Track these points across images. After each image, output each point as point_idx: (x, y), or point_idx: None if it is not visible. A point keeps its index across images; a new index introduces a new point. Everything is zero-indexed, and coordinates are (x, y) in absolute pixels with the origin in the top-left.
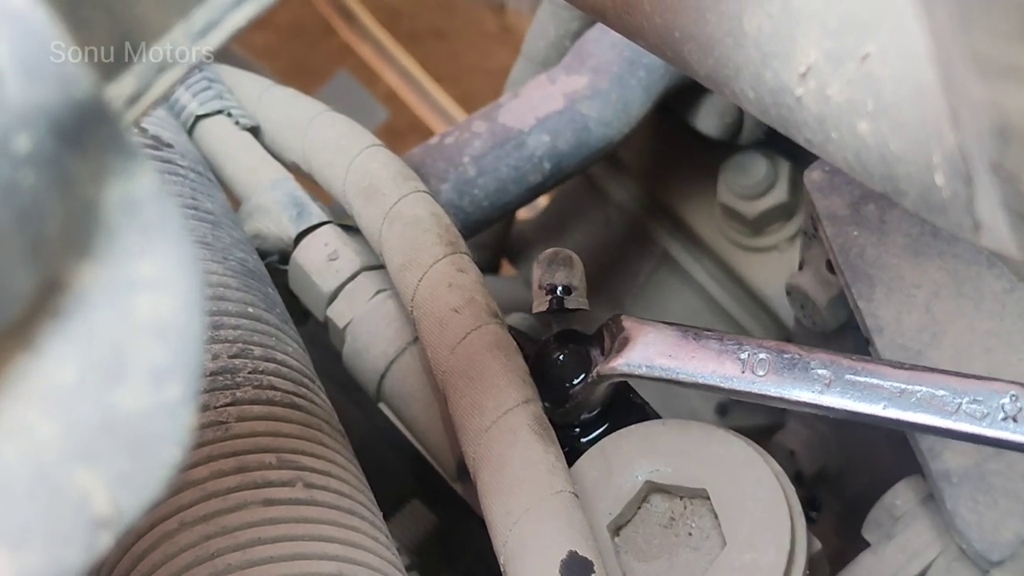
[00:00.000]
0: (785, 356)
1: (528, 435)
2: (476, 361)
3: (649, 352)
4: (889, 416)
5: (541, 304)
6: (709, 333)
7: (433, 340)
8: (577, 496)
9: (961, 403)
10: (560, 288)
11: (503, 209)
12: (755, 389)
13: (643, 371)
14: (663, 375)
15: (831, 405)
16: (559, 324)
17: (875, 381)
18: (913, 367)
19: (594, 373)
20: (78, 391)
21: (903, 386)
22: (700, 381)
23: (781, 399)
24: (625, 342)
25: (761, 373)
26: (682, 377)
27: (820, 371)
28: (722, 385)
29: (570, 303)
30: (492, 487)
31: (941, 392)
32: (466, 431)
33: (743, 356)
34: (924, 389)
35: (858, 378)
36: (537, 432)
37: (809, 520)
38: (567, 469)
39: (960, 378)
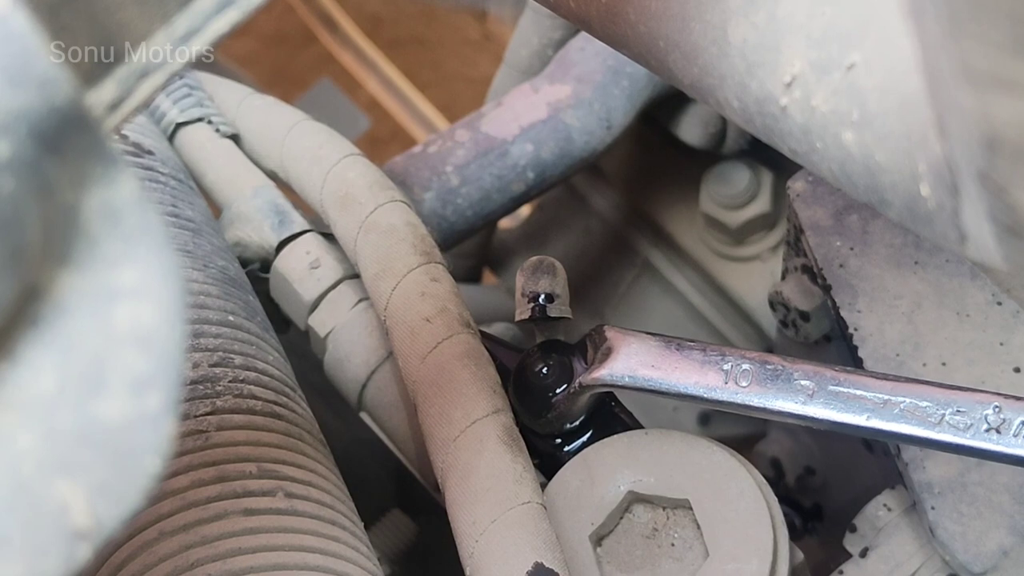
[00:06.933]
0: (768, 367)
1: (496, 445)
2: (446, 371)
3: (632, 363)
4: (872, 427)
5: (524, 312)
6: (692, 344)
7: (404, 349)
8: (545, 507)
9: (944, 414)
10: (543, 296)
11: (486, 218)
12: (738, 400)
13: (626, 382)
14: (646, 386)
15: (814, 416)
16: (543, 333)
17: (858, 392)
18: (897, 378)
19: (576, 383)
20: (57, 400)
21: (887, 397)
22: (683, 392)
23: (764, 410)
24: (608, 352)
25: (744, 384)
26: (665, 388)
27: (803, 382)
28: (705, 395)
29: (552, 311)
30: (458, 497)
31: (924, 403)
32: (434, 440)
33: (726, 367)
34: (908, 400)
35: (841, 389)
36: (505, 442)
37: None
38: (536, 480)
39: (944, 389)
